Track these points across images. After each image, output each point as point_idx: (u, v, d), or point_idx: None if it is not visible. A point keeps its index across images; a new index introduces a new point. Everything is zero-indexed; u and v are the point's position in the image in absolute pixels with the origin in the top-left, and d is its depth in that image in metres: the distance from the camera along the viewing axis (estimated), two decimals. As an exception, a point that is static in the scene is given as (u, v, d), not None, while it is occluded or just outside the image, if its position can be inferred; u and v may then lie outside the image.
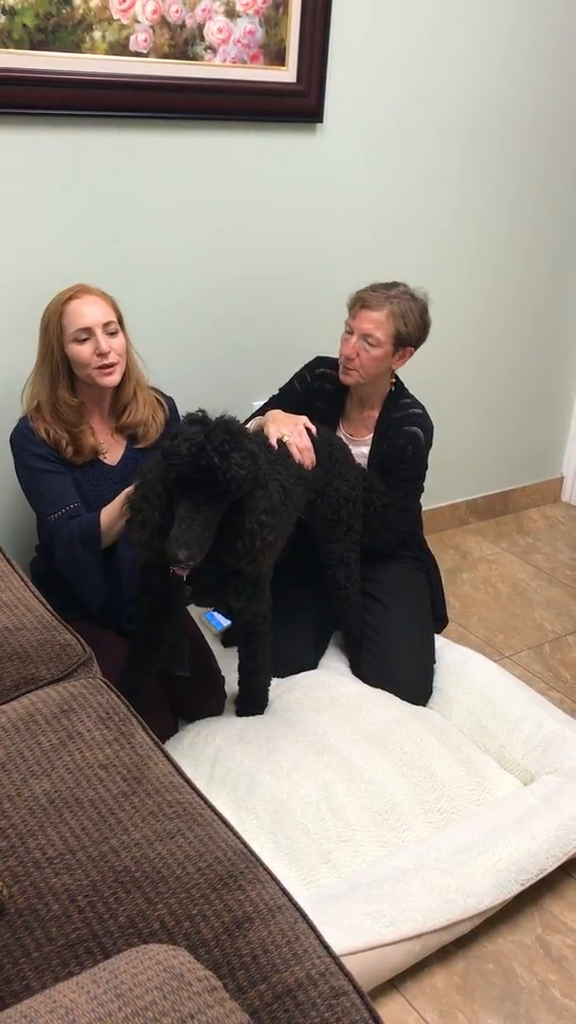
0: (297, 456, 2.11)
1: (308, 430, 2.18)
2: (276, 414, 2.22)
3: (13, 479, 2.24)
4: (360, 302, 2.23)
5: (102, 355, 1.98)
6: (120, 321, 2.04)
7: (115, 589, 2.12)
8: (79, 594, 2.09)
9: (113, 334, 2.01)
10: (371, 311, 2.21)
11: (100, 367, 2.00)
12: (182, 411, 1.84)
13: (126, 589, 2.13)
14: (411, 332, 2.25)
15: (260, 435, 2.13)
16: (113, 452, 2.14)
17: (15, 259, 2.19)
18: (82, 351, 1.99)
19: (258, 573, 1.93)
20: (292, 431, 2.15)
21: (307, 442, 2.15)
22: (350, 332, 2.25)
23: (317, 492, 2.20)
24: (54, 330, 1.99)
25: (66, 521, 2.00)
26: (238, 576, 1.92)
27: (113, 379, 2.03)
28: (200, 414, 1.76)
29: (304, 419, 2.21)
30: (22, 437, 2.04)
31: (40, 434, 2.03)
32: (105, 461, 2.12)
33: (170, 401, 2.24)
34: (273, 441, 2.11)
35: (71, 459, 2.06)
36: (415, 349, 2.30)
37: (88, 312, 1.97)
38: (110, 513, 1.96)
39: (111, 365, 2.01)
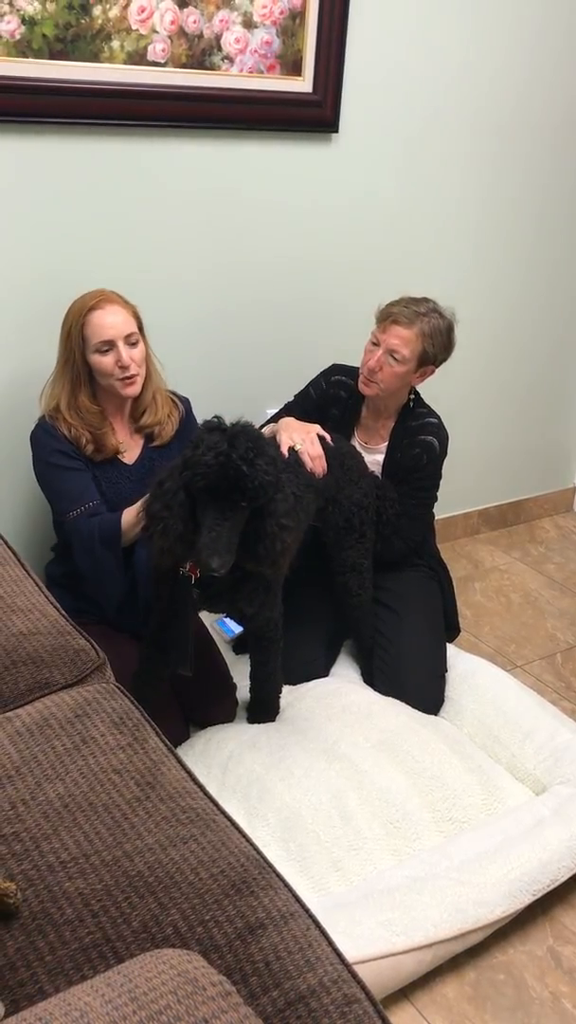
0: (308, 464, 2.12)
1: (321, 438, 2.19)
2: (289, 422, 2.23)
3: (27, 483, 2.25)
4: (391, 317, 2.22)
5: (124, 367, 2.00)
6: (141, 329, 2.06)
7: (131, 589, 2.13)
8: (97, 593, 2.09)
9: (134, 344, 2.02)
10: (401, 327, 2.20)
11: (122, 378, 2.02)
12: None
13: (141, 589, 2.14)
14: (437, 352, 2.25)
15: (272, 442, 2.13)
16: (131, 452, 2.16)
17: (33, 263, 2.20)
18: (104, 362, 2.00)
19: (277, 576, 1.93)
20: (304, 439, 2.15)
21: (319, 450, 2.15)
22: (376, 344, 2.25)
23: (328, 500, 2.20)
24: (76, 339, 2.00)
25: (86, 519, 2.01)
26: (250, 581, 1.92)
27: (134, 390, 2.05)
28: (217, 421, 1.77)
29: (317, 427, 2.21)
30: (45, 434, 2.05)
31: (62, 431, 2.04)
32: (123, 460, 2.14)
33: (185, 401, 2.25)
34: (284, 449, 2.12)
35: (91, 456, 2.07)
36: (436, 368, 2.31)
37: (111, 323, 1.98)
38: (131, 516, 1.97)
39: (132, 376, 2.03)
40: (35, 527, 2.41)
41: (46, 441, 2.05)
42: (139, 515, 1.90)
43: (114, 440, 2.10)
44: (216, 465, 1.68)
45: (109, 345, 1.99)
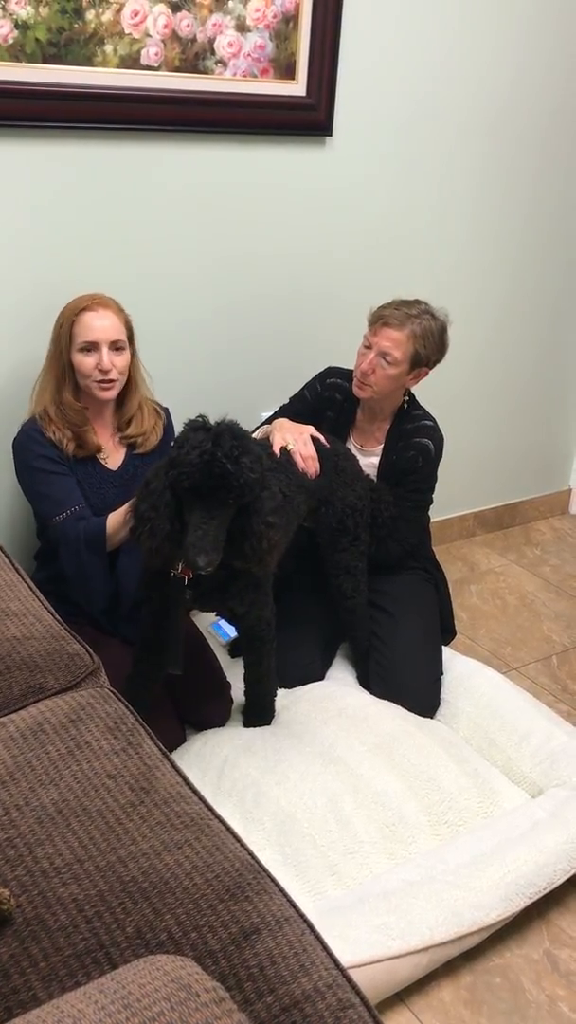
0: (301, 465, 2.12)
1: (314, 439, 2.19)
2: (283, 422, 2.24)
3: (12, 492, 2.25)
4: (381, 320, 2.23)
5: (103, 371, 2.02)
6: (130, 337, 2.07)
7: (114, 594, 2.13)
8: (81, 595, 2.10)
9: (119, 351, 2.04)
10: (392, 330, 2.21)
11: (99, 381, 2.03)
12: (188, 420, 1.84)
13: (125, 592, 2.14)
14: (429, 354, 2.25)
15: (264, 442, 2.14)
16: (114, 457, 2.17)
17: (25, 269, 2.20)
18: (85, 362, 2.02)
19: (265, 573, 1.94)
20: (297, 439, 2.15)
21: (311, 451, 2.16)
22: (368, 347, 2.25)
23: (321, 501, 2.20)
24: (64, 336, 2.03)
25: (73, 522, 2.01)
26: (239, 579, 1.93)
27: (110, 395, 2.08)
28: (201, 420, 1.78)
29: (310, 428, 2.21)
30: (28, 439, 2.07)
31: (47, 434, 2.06)
32: (106, 465, 2.14)
33: (166, 411, 2.27)
34: (277, 449, 2.12)
35: (74, 453, 2.08)
36: (430, 370, 2.31)
37: (99, 326, 2.00)
38: (116, 520, 1.98)
39: (110, 382, 2.04)
40: (21, 536, 2.41)
41: (29, 446, 2.06)
42: (127, 516, 1.90)
43: (95, 439, 2.11)
44: (201, 464, 1.69)
45: (93, 346, 2.01)
